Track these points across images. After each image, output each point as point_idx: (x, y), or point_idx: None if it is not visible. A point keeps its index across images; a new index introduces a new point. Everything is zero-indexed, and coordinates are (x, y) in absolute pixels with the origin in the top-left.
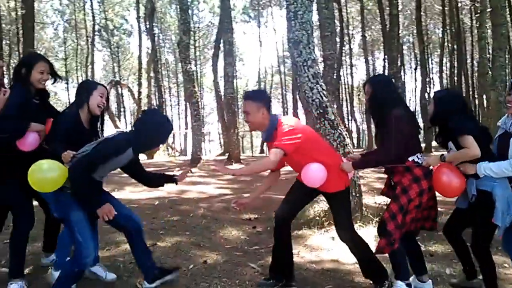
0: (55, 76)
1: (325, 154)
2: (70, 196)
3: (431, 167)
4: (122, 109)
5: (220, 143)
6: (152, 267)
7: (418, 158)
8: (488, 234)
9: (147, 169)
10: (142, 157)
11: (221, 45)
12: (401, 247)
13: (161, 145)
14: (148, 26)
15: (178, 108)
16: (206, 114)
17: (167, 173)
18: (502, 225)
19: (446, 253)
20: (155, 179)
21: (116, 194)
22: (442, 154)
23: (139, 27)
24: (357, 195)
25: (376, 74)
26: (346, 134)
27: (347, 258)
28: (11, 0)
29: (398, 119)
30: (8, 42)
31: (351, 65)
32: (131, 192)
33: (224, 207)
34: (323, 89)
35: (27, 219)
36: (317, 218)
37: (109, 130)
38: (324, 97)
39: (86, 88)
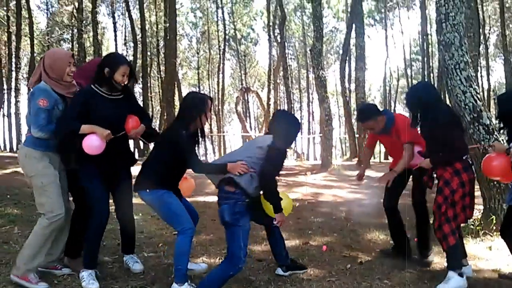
0: (133, 78)
1: None
2: (245, 206)
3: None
4: (248, 114)
5: (342, 148)
6: (286, 257)
7: None
8: None
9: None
10: None
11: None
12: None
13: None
14: (277, 34)
15: (301, 113)
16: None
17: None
18: None
19: None
20: None
21: None
22: (509, 148)
23: (269, 35)
24: None
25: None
26: (502, 139)
27: (510, 269)
28: (152, 15)
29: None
30: (149, 53)
31: (488, 67)
32: None
33: (364, 212)
34: (476, 93)
35: (101, 212)
36: (471, 226)
37: (237, 131)
38: (478, 101)
39: (198, 105)
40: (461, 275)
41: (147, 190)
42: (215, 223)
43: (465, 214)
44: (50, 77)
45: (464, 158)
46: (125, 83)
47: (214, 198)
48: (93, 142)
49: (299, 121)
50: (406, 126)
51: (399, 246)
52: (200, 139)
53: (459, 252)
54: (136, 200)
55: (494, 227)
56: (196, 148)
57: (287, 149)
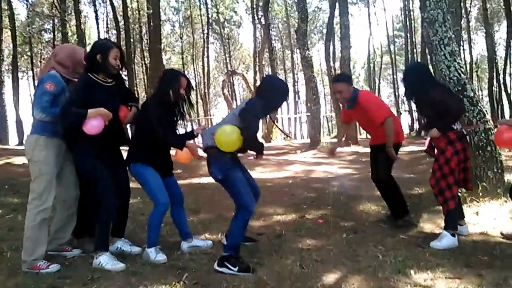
0: (123, 63)
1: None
2: (230, 160)
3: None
4: (234, 96)
5: (328, 126)
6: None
7: (454, 125)
8: None
9: (270, 152)
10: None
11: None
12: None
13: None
14: (260, 16)
15: None
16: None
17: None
18: None
19: None
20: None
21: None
22: None
23: (253, 17)
24: (499, 171)
25: None
26: (486, 111)
27: (496, 232)
28: (134, 2)
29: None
30: (132, 40)
31: (470, 41)
32: (261, 172)
33: (355, 185)
34: (460, 67)
35: (111, 194)
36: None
37: (224, 114)
38: (462, 74)
39: (170, 80)
40: (453, 235)
41: (130, 165)
42: (212, 203)
43: (465, 184)
44: (66, 67)
45: (458, 129)
46: (119, 66)
47: (209, 179)
48: (92, 121)
49: (287, 84)
50: (373, 106)
51: (396, 213)
52: (178, 114)
53: (456, 216)
54: (134, 184)
55: (480, 194)
56: (178, 123)
57: (268, 114)
